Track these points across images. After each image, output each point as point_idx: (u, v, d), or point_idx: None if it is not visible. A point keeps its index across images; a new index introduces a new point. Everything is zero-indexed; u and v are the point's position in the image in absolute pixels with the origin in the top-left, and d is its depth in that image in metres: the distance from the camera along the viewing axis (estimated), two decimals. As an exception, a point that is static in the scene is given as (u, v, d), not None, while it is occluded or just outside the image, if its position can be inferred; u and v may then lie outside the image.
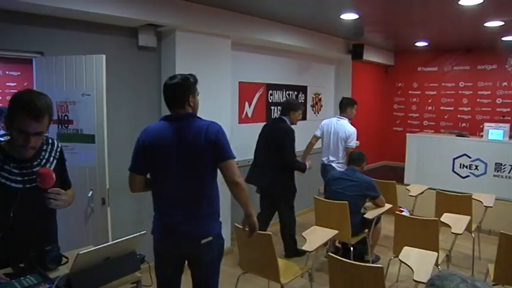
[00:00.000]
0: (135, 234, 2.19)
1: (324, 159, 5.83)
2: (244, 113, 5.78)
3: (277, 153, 4.98)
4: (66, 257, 2.19)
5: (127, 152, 2.87)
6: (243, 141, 5.68)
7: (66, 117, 3.62)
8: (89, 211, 3.65)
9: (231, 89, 5.25)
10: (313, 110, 7.23)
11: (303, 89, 6.93)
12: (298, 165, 5.22)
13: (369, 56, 7.81)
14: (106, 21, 4.04)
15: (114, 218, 3.77)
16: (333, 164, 5.66)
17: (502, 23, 5.60)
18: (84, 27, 3.97)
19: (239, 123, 5.66)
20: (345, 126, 5.56)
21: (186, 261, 2.82)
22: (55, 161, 2.35)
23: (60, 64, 3.59)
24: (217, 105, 4.95)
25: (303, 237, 3.80)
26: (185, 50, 4.58)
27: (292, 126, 5.13)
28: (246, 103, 5.81)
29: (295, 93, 6.74)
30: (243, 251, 3.67)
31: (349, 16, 5.24)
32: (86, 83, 3.56)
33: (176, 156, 2.62)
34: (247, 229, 2.79)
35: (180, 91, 2.70)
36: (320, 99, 7.39)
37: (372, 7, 4.93)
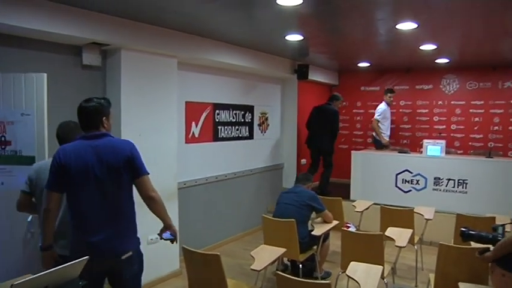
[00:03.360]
0: (77, 260, 2.12)
1: None
2: (191, 132, 5.75)
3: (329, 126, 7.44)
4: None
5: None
6: (190, 161, 5.66)
7: (3, 138, 3.48)
8: (28, 236, 3.49)
9: (178, 108, 5.23)
10: (260, 129, 7.29)
11: (250, 109, 6.99)
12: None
13: (314, 75, 8.01)
14: (47, 38, 3.93)
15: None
16: None
17: (435, 47, 5.94)
18: (24, 44, 3.84)
19: (186, 142, 5.62)
20: None
21: (107, 279, 2.87)
22: None
23: (-4, 82, 3.44)
24: (163, 125, 4.91)
25: (252, 256, 3.80)
26: (131, 70, 4.53)
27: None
28: (193, 123, 5.78)
29: (242, 112, 6.79)
30: (191, 272, 3.62)
31: (293, 37, 5.36)
32: (25, 102, 3.45)
33: (93, 175, 2.69)
34: (163, 238, 2.93)
35: (96, 113, 2.79)
36: (267, 119, 7.48)
37: (316, 29, 5.07)
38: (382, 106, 8.09)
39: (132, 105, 4.53)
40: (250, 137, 7.03)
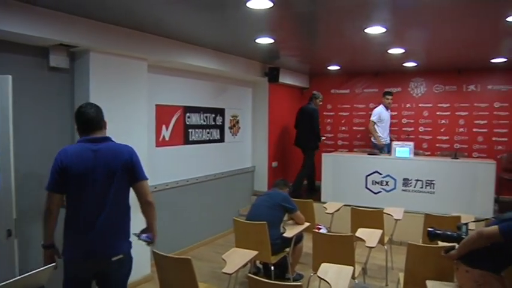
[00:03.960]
0: (44, 267, 2.07)
1: None
2: (162, 136, 5.70)
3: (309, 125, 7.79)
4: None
5: (37, 178, 2.75)
6: (161, 164, 5.61)
7: (-35, 142, 3.37)
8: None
9: (148, 112, 5.18)
10: (231, 132, 7.29)
11: (221, 112, 6.98)
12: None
13: (285, 78, 8.06)
14: (12, 39, 3.81)
15: (23, 250, 3.55)
16: None
17: (403, 51, 6.06)
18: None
19: (156, 146, 5.57)
20: None
21: (95, 282, 2.92)
22: None
23: (-42, 85, 3.33)
24: (133, 128, 4.85)
25: (223, 259, 3.79)
26: (100, 72, 4.46)
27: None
28: (163, 126, 5.73)
29: (213, 115, 6.77)
30: (163, 277, 3.58)
31: (264, 40, 5.39)
32: (-12, 105, 3.34)
33: (93, 178, 2.78)
34: (141, 239, 3.01)
35: (100, 115, 2.97)
36: (238, 122, 7.48)
37: (286, 32, 5.11)
38: (379, 108, 8.21)
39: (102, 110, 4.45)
40: (221, 140, 7.02)
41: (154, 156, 5.41)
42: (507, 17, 4.15)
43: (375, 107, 8.33)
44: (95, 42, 4.30)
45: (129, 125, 4.79)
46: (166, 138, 5.79)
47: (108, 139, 2.95)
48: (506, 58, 6.76)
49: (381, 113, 8.11)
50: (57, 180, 2.77)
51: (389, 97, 8.14)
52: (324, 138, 8.58)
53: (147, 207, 2.96)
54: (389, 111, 8.27)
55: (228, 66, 6.45)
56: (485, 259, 2.82)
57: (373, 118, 8.15)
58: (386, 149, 7.92)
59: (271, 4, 3.71)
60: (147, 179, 2.99)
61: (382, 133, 8.14)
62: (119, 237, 2.91)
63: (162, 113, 5.71)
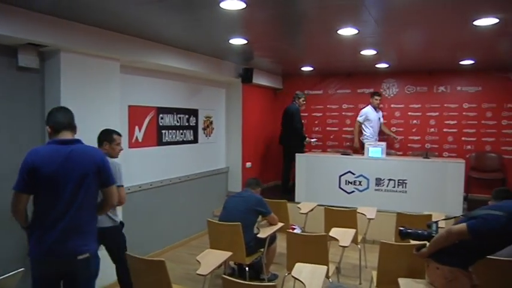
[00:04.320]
0: (10, 273, 2.02)
1: None
2: (135, 137, 5.64)
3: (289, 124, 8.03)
4: None
5: (5, 181, 2.68)
6: (134, 166, 5.55)
7: None
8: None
9: (120, 112, 5.11)
10: (204, 133, 7.26)
11: (194, 112, 6.94)
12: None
13: (258, 79, 8.08)
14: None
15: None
16: None
17: (375, 52, 6.15)
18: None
19: (129, 147, 5.49)
20: None
21: (62, 283, 2.92)
22: None
23: None
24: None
25: (197, 261, 3.77)
26: (71, 72, 4.38)
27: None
28: (136, 127, 5.67)
29: (187, 116, 6.73)
30: (136, 280, 3.54)
31: (238, 41, 5.38)
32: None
33: (65, 178, 2.79)
34: None
35: (71, 118, 3.02)
36: (211, 122, 7.45)
37: (260, 33, 5.12)
38: (366, 108, 8.30)
39: (73, 109, 4.33)
40: (195, 141, 6.98)
41: (127, 157, 5.34)
42: (474, 21, 4.27)
43: (352, 107, 8.45)
44: (66, 41, 4.22)
45: (101, 126, 4.68)
46: (139, 140, 5.72)
47: (78, 141, 2.96)
48: (474, 60, 6.94)
49: (367, 114, 8.20)
50: (26, 180, 2.76)
51: (378, 98, 8.22)
52: (313, 140, 8.69)
53: (107, 208, 3.12)
54: (379, 112, 8.31)
55: (202, 66, 6.42)
56: (454, 256, 2.89)
57: (359, 118, 8.29)
58: None
59: (244, 5, 3.71)
60: (115, 183, 3.09)
61: (370, 134, 8.17)
62: (85, 237, 2.91)
63: (135, 114, 5.64)
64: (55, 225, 2.78)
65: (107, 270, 4.84)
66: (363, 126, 8.26)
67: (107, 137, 4.11)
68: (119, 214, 4.25)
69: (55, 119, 2.94)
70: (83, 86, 4.51)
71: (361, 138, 8.30)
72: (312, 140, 8.64)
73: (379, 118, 8.29)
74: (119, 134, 4.22)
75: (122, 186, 3.89)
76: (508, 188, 4.07)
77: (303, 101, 8.27)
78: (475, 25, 4.38)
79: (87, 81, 4.57)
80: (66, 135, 2.92)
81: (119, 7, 3.83)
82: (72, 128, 2.99)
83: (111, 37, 4.72)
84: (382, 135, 8.41)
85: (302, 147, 8.09)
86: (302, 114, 9.41)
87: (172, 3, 3.73)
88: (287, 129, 8.17)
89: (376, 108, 8.25)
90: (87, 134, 4.47)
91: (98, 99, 4.69)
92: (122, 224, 4.19)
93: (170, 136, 6.33)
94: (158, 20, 4.36)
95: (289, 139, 8.15)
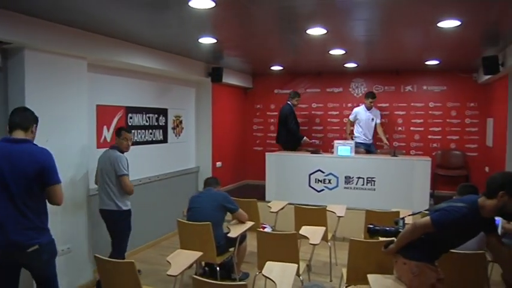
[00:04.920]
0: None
1: None
2: (103, 137, 5.55)
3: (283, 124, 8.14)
4: None
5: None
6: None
7: None
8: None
9: (88, 112, 5.02)
10: (174, 132, 7.20)
11: (164, 112, 6.88)
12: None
13: (228, 79, 8.07)
14: None
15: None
16: None
17: (344, 52, 6.23)
18: None
19: (98, 147, 5.40)
20: None
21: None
22: None
23: None
24: (72, 129, 4.69)
25: (168, 261, 3.74)
26: (36, 71, 4.27)
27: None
28: (105, 127, 5.58)
29: (156, 116, 6.66)
30: (106, 282, 3.49)
31: (207, 40, 5.36)
32: None
33: (8, 176, 2.97)
34: None
35: (27, 118, 3.18)
36: (181, 122, 7.41)
37: (229, 32, 5.11)
38: (357, 108, 8.27)
39: (38, 109, 4.19)
40: (165, 140, 6.92)
41: (95, 158, 5.25)
42: (438, 23, 4.38)
43: (319, 107, 8.52)
44: (30, 39, 4.11)
45: (68, 126, 4.62)
46: (108, 140, 5.63)
47: (28, 141, 3.12)
48: (439, 61, 7.11)
49: (357, 113, 8.16)
50: None
51: (369, 99, 8.02)
52: (314, 142, 8.76)
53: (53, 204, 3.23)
54: (373, 112, 8.14)
55: (171, 66, 6.37)
56: (420, 251, 2.96)
57: (350, 117, 8.30)
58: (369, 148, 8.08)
59: (213, 4, 3.70)
60: (58, 183, 3.16)
61: (359, 133, 8.11)
62: (34, 231, 3.07)
63: (103, 114, 5.55)
64: (4, 220, 3.00)
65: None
66: (355, 125, 8.24)
67: (117, 132, 4.86)
68: (128, 203, 4.83)
69: (10, 118, 3.14)
70: (48, 85, 4.40)
71: (352, 136, 8.27)
72: (312, 141, 8.67)
73: (372, 119, 8.13)
74: (128, 131, 4.91)
75: (126, 175, 4.67)
76: (472, 184, 4.19)
77: (297, 100, 8.28)
78: (439, 27, 4.50)
79: (53, 80, 4.46)
80: (17, 135, 3.09)
81: (86, 5, 3.76)
82: (24, 128, 3.11)
83: (78, 35, 4.62)
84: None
85: (295, 147, 8.15)
86: (271, 113, 9.53)
87: (141, 1, 3.69)
88: (282, 129, 8.26)
89: (369, 108, 8.10)
90: (54, 133, 4.42)
91: (64, 98, 4.59)
92: (128, 212, 4.76)
93: (139, 136, 6.26)
94: (127, 19, 4.31)
95: (285, 139, 8.24)
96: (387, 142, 7.96)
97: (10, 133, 3.10)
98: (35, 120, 3.23)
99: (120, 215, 4.73)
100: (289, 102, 8.22)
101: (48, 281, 3.29)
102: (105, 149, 5.53)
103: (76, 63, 4.76)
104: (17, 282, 3.23)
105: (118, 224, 4.78)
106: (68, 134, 4.62)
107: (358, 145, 7.99)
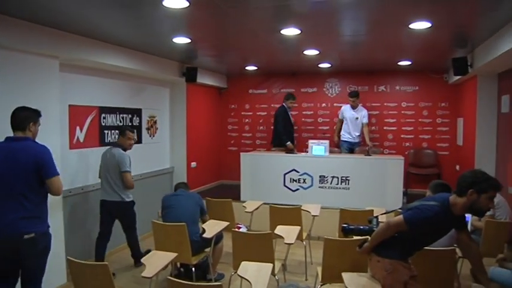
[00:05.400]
0: None
1: None
2: (76, 138, 5.45)
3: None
4: None
5: None
6: (76, 167, 5.38)
7: None
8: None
9: (60, 112, 4.91)
10: (148, 133, 7.14)
11: (138, 112, 6.81)
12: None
13: (203, 78, 8.04)
14: None
15: None
16: None
17: (318, 52, 6.28)
18: None
19: (70, 148, 5.31)
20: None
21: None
22: None
23: None
24: (44, 130, 4.51)
25: (142, 263, 3.71)
26: (4, 70, 4.14)
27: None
28: (78, 127, 5.48)
29: (130, 116, 6.59)
30: (80, 285, 3.43)
31: (181, 40, 5.33)
32: None
33: (8, 170, 3.30)
34: None
35: (24, 117, 3.49)
36: (155, 122, 7.34)
37: (203, 32, 5.08)
38: (343, 106, 8.35)
39: (7, 110, 4.11)
40: (139, 141, 6.85)
41: (68, 158, 5.17)
42: (409, 24, 4.46)
43: (296, 106, 8.77)
44: (-1, 37, 4.01)
45: (40, 127, 4.51)
46: (81, 140, 5.54)
47: (28, 139, 3.46)
48: (411, 61, 7.24)
49: (342, 112, 8.26)
50: None
51: (351, 98, 8.06)
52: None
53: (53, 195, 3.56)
54: (358, 112, 8.12)
55: (145, 65, 6.31)
56: (394, 249, 3.01)
57: (338, 116, 8.37)
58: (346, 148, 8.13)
59: (187, 4, 3.68)
60: (56, 175, 3.46)
61: (345, 132, 8.16)
62: (31, 220, 3.35)
63: (76, 114, 5.46)
64: (4, 210, 3.29)
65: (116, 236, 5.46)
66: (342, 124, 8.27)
67: (121, 131, 5.44)
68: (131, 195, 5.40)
69: (10, 119, 3.47)
70: (17, 84, 4.28)
71: (339, 135, 8.34)
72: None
73: (357, 118, 8.09)
74: (131, 131, 5.47)
75: (129, 172, 5.26)
76: (444, 181, 4.28)
77: (291, 102, 8.22)
78: (411, 28, 4.58)
79: (23, 80, 4.34)
80: (17, 134, 3.46)
81: (57, 3, 3.68)
82: (21, 128, 3.45)
83: (50, 34, 4.52)
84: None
85: (278, 146, 8.16)
86: (246, 113, 9.53)
87: (114, 0, 3.64)
88: (275, 130, 8.35)
89: (353, 107, 8.10)
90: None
91: (35, 98, 4.46)
92: (132, 202, 5.40)
93: (113, 136, 6.16)
94: (100, 17, 4.24)
95: (274, 140, 8.31)
96: (370, 143, 7.95)
97: (13, 133, 3.46)
98: (31, 118, 3.51)
99: (126, 205, 5.32)
100: (284, 104, 8.24)
101: (35, 276, 3.46)
102: (78, 150, 5.47)
103: (47, 63, 4.65)
104: (17, 275, 3.44)
105: (126, 214, 5.40)
106: (38, 135, 4.50)
107: (341, 143, 8.15)
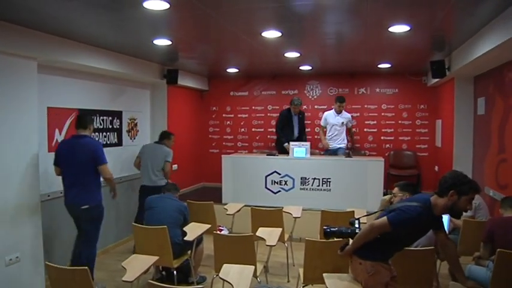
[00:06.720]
0: None
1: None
2: (55, 140, 5.36)
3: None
4: None
5: None
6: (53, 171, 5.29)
7: None
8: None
9: (38, 115, 4.83)
10: (129, 135, 7.07)
11: (118, 114, 6.75)
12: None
13: (184, 81, 8.00)
14: None
15: None
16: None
17: (298, 55, 6.31)
18: None
19: (49, 151, 5.21)
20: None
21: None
22: None
23: None
24: (21, 133, 4.49)
25: (123, 267, 3.67)
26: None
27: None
28: (57, 130, 5.40)
29: (110, 118, 6.52)
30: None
31: (161, 42, 5.31)
32: None
33: (72, 159, 4.67)
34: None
35: (86, 120, 4.89)
36: (136, 124, 7.28)
37: (183, 34, 5.07)
38: (327, 112, 8.18)
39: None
40: (119, 143, 6.79)
41: (47, 162, 5.07)
42: (389, 28, 4.52)
43: (274, 109, 8.63)
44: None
45: (15, 129, 4.42)
46: (60, 143, 5.47)
47: (87, 136, 4.81)
48: (391, 64, 7.33)
49: (326, 117, 8.05)
50: (55, 159, 4.81)
51: (338, 104, 7.92)
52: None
53: (107, 181, 4.94)
54: (343, 116, 8.01)
55: (126, 67, 6.25)
56: (375, 251, 3.03)
57: (321, 123, 8.17)
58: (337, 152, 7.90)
59: (167, 5, 3.67)
60: (105, 163, 4.77)
61: (330, 135, 8.01)
62: (85, 195, 4.70)
63: (55, 116, 5.37)
64: (70, 186, 4.71)
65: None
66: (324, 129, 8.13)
67: (167, 136, 6.62)
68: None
69: (76, 122, 4.93)
70: (-6, 86, 4.21)
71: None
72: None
73: (342, 122, 7.96)
74: (174, 135, 6.73)
75: (169, 161, 6.38)
76: (411, 182, 4.38)
77: (294, 106, 8.00)
78: (390, 31, 4.64)
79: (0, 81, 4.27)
80: (80, 132, 4.79)
81: (35, 3, 3.62)
82: (84, 128, 4.82)
83: (27, 34, 4.44)
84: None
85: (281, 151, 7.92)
86: (227, 115, 9.53)
87: (94, 1, 3.60)
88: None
89: (338, 112, 7.98)
90: (2, 136, 4.24)
91: (11, 100, 4.37)
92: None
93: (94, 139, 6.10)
94: (79, 18, 4.19)
95: (276, 142, 8.48)
96: (356, 145, 7.96)
97: (77, 131, 4.80)
98: (91, 120, 5.06)
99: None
100: (289, 107, 8.21)
101: (89, 238, 4.79)
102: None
103: (25, 64, 4.56)
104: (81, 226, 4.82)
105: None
106: (17, 138, 4.43)
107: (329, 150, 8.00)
